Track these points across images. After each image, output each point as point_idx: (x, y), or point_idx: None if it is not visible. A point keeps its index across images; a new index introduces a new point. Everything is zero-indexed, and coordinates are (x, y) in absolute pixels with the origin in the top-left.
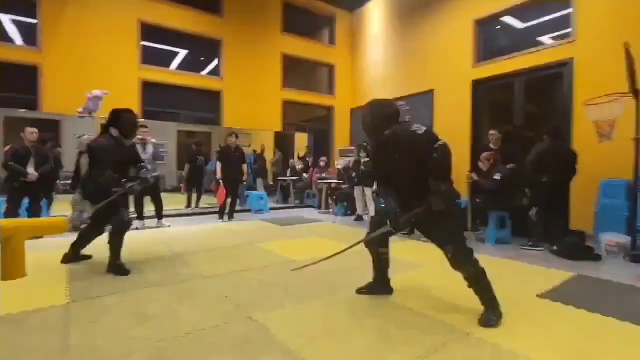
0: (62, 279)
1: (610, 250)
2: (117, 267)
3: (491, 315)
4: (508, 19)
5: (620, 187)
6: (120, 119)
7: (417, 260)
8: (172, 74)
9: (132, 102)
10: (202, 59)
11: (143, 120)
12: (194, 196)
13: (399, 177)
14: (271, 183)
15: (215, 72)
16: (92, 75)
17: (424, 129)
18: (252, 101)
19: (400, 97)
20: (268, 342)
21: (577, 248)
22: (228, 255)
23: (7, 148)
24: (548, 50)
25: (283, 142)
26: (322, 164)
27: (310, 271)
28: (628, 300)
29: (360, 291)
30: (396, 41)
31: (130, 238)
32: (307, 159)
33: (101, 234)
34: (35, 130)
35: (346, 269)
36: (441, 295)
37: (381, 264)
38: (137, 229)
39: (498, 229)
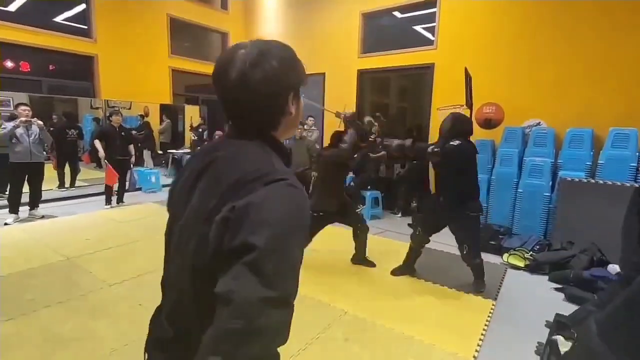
0: None
1: None
2: (366, 260)
3: (481, 283)
4: (390, 17)
5: None
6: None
7: (311, 244)
8: (24, 32)
9: None
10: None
11: None
12: (68, 174)
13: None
14: (160, 152)
15: (86, 33)
16: None
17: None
18: (134, 68)
19: None
20: None
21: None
22: (129, 253)
23: None
24: (417, 53)
25: (172, 114)
26: (217, 137)
27: None
28: (448, 269)
29: (394, 272)
30: (292, 18)
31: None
32: (200, 129)
33: None
34: None
35: None
36: (326, 279)
37: (416, 255)
38: (6, 224)
39: (372, 206)
